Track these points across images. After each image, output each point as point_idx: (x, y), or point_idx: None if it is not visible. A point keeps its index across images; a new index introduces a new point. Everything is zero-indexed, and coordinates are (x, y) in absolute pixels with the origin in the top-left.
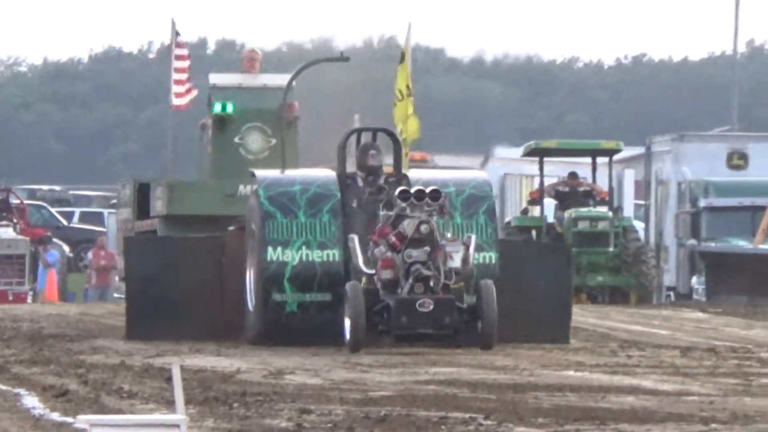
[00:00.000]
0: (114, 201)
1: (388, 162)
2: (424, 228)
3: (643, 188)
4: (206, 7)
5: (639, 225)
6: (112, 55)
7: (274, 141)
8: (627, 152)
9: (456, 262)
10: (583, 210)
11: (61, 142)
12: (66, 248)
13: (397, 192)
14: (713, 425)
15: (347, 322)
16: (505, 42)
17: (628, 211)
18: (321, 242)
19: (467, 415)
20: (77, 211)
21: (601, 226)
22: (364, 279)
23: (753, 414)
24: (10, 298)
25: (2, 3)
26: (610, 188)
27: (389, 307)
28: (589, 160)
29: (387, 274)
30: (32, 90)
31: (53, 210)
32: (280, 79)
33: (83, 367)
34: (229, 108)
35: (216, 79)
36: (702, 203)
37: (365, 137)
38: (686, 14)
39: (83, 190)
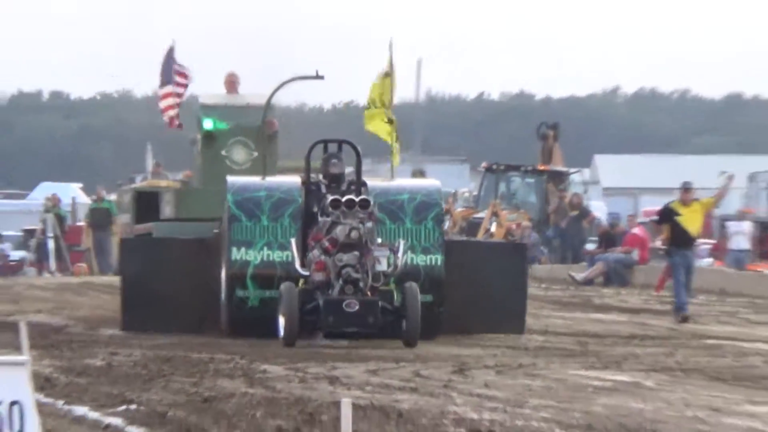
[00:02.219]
0: None
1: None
2: (353, 234)
3: None
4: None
5: None
6: None
7: (256, 153)
8: None
9: (383, 265)
10: None
11: None
12: None
13: (329, 200)
14: (402, 363)
15: (281, 320)
16: None
17: None
18: (281, 243)
19: (229, 356)
20: None
21: None
22: (301, 280)
23: (432, 357)
24: None
25: None
26: None
27: (319, 306)
28: None
29: (319, 276)
30: None
31: None
32: (261, 98)
33: None
34: (212, 124)
35: (205, 98)
36: None
37: (331, 147)
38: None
39: None
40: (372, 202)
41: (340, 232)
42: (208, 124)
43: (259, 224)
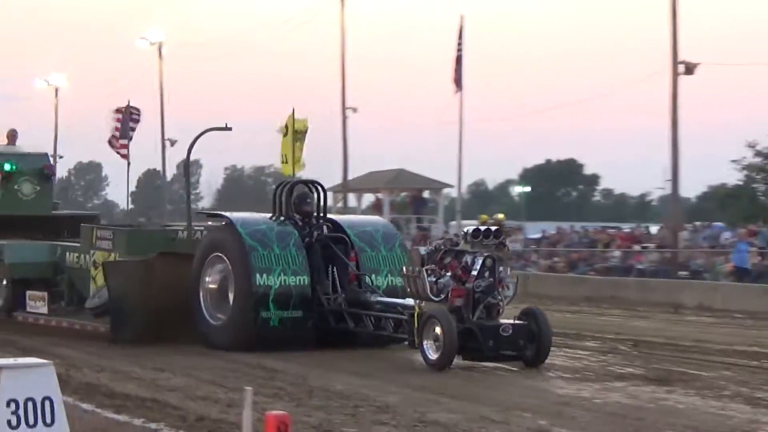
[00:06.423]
0: None
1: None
2: (488, 262)
3: None
4: None
5: None
6: None
7: (38, 188)
8: None
9: (511, 290)
10: None
11: None
12: None
13: (470, 231)
14: None
15: (431, 345)
16: None
17: None
18: (294, 270)
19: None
20: None
21: None
22: (421, 304)
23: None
24: None
25: None
26: None
27: (470, 331)
28: None
29: (459, 302)
30: None
31: None
32: (37, 149)
33: None
34: (10, 167)
35: None
36: None
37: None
38: None
39: None
40: (503, 233)
41: (473, 260)
42: (6, 166)
43: (273, 253)
